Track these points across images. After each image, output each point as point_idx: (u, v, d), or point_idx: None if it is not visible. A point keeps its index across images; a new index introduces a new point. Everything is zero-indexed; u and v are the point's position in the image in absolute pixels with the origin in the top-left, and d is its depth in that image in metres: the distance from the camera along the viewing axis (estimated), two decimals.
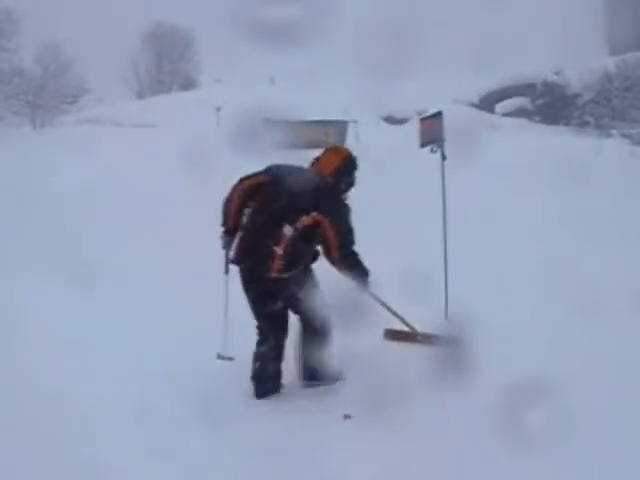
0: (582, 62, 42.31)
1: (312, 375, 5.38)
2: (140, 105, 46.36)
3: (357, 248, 5.25)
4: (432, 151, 7.00)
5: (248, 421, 4.66)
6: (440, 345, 5.72)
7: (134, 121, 36.60)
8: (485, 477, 4.14)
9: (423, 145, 7.13)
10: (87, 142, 21.20)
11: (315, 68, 43.06)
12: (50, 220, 9.61)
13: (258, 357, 5.27)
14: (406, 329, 5.93)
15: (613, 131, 30.94)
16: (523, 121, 39.48)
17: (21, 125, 33.54)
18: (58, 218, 9.75)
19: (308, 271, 5.27)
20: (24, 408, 4.14)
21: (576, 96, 41.39)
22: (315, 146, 20.66)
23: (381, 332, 6.08)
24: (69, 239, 8.26)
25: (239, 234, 5.22)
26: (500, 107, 42.13)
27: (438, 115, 7.13)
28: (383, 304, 5.59)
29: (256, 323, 5.31)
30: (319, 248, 5.22)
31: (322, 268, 5.30)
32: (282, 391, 5.34)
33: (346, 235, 5.13)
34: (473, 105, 40.65)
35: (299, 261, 5.09)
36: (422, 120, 7.38)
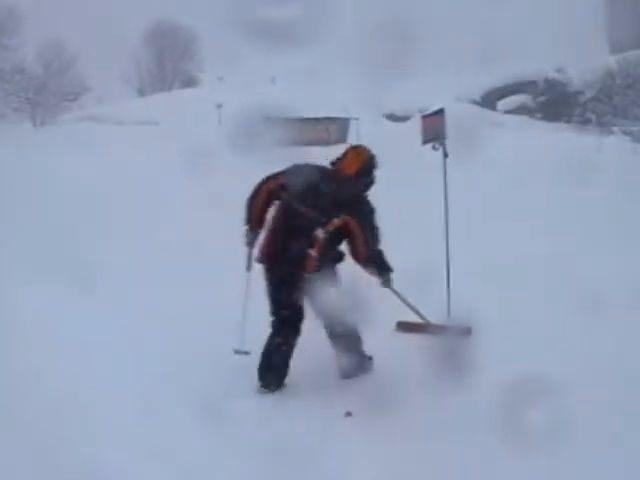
0: (584, 59, 42.32)
1: (348, 373, 5.48)
2: (141, 103, 46.45)
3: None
4: (434, 148, 6.99)
5: (248, 421, 4.66)
6: (453, 336, 5.83)
7: (135, 119, 36.66)
8: (485, 477, 4.13)
9: (425, 142, 7.11)
10: (88, 140, 21.21)
11: (316, 67, 43.17)
12: (50, 220, 9.59)
13: (268, 348, 5.31)
14: (418, 321, 5.98)
15: (615, 128, 30.92)
16: (525, 118, 39.47)
17: (21, 123, 33.57)
18: (58, 218, 9.74)
19: (335, 271, 5.40)
20: (24, 408, 4.12)
21: (578, 93, 41.39)
22: (317, 144, 20.80)
23: (382, 332, 6.07)
24: (69, 239, 8.24)
25: (265, 233, 5.32)
26: (502, 104, 42.14)
27: (440, 112, 7.11)
28: (404, 300, 5.69)
29: (271, 319, 5.36)
30: (342, 249, 5.36)
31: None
32: (283, 390, 5.33)
33: (372, 235, 5.24)
34: (475, 102, 40.65)
35: (331, 261, 5.29)
36: (424, 117, 7.35)
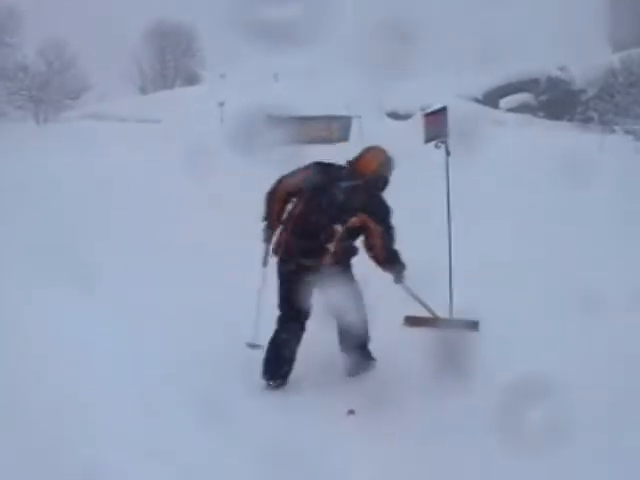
0: (586, 58, 42.26)
1: (353, 370, 5.52)
2: (144, 100, 46.47)
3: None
4: (436, 146, 6.97)
5: (249, 421, 4.65)
6: (460, 329, 5.97)
7: (138, 117, 36.68)
8: (485, 475, 4.13)
9: (428, 141, 7.09)
10: (90, 139, 21.20)
11: (318, 66, 43.10)
12: (51, 219, 9.58)
13: (274, 344, 5.35)
14: (426, 315, 6.05)
15: (617, 127, 30.84)
16: (527, 117, 39.39)
17: (24, 120, 33.54)
18: (59, 217, 9.73)
19: (350, 266, 5.51)
20: (24, 408, 4.12)
21: (580, 92, 41.30)
22: (319, 142, 20.77)
23: (384, 330, 6.06)
24: (69, 238, 8.24)
25: (283, 226, 5.39)
26: (504, 103, 42.08)
27: (442, 110, 7.08)
28: (415, 296, 5.78)
29: (277, 315, 5.40)
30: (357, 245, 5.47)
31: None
32: (286, 388, 5.35)
33: (389, 235, 5.35)
34: (477, 101, 40.62)
35: (347, 256, 5.40)
36: (426, 115, 7.32)
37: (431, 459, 4.30)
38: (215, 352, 5.58)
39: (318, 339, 5.44)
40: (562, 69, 43.03)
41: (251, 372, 5.32)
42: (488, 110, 37.78)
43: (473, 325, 6.20)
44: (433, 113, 7.29)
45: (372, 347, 5.62)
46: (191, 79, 57.16)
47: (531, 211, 10.80)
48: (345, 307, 5.28)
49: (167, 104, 39.60)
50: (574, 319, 6.07)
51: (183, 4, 58.75)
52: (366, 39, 35.94)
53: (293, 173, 5.41)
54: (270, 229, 5.45)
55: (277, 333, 5.36)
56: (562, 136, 25.21)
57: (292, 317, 5.35)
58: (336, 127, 25.52)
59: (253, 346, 5.45)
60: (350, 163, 5.44)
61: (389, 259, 5.40)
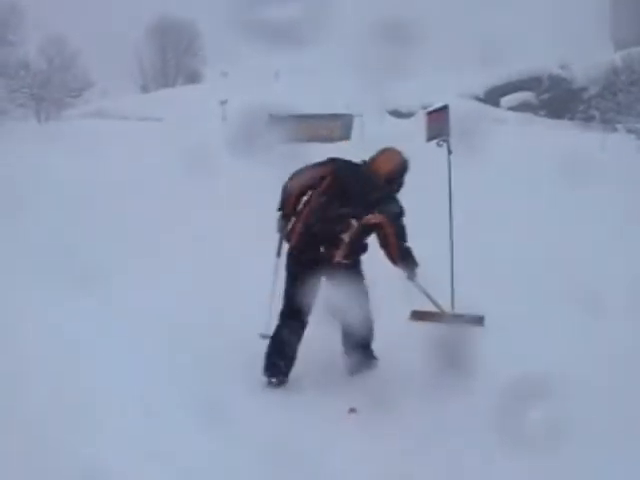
0: (588, 56, 42.23)
1: (355, 369, 5.54)
2: (145, 99, 46.48)
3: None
4: (438, 145, 6.98)
5: (249, 421, 4.62)
6: (466, 324, 6.06)
7: (139, 115, 36.72)
8: (487, 476, 4.13)
9: (430, 139, 7.11)
10: (91, 137, 21.17)
11: (320, 65, 43.08)
12: (51, 219, 9.57)
13: (276, 340, 5.37)
14: (432, 310, 6.08)
15: (618, 125, 30.82)
16: (528, 115, 39.41)
17: (26, 118, 33.50)
18: (59, 217, 9.72)
19: (360, 262, 5.60)
20: (24, 408, 4.13)
21: (582, 90, 41.30)
22: (320, 140, 20.78)
23: (384, 330, 6.07)
24: (70, 237, 8.23)
25: (298, 219, 5.42)
26: (505, 101, 42.10)
27: (444, 108, 7.09)
28: (424, 292, 5.83)
29: (280, 309, 5.43)
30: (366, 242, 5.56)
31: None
32: (286, 386, 5.34)
33: (402, 234, 5.46)
34: (478, 99, 40.65)
35: (358, 251, 5.49)
36: (429, 114, 7.34)
37: (432, 458, 4.30)
38: (215, 353, 5.58)
39: (319, 337, 5.44)
40: (563, 67, 43.03)
41: (251, 372, 5.30)
42: (489, 109, 37.81)
43: (479, 320, 6.30)
44: (435, 111, 7.30)
45: (374, 346, 5.62)
46: (192, 77, 57.19)
47: (532, 210, 10.78)
48: (351, 306, 5.30)
49: (169, 102, 39.60)
50: (575, 318, 6.07)
51: (185, 2, 58.73)
52: (367, 38, 35.89)
53: (309, 167, 5.49)
54: (285, 219, 5.49)
55: (279, 329, 5.39)
56: (563, 135, 25.22)
57: (294, 313, 5.37)
58: (338, 125, 25.52)
59: (266, 337, 5.46)
60: (366, 163, 5.50)
61: (403, 256, 5.49)
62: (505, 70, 42.57)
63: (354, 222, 5.28)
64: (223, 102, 29.81)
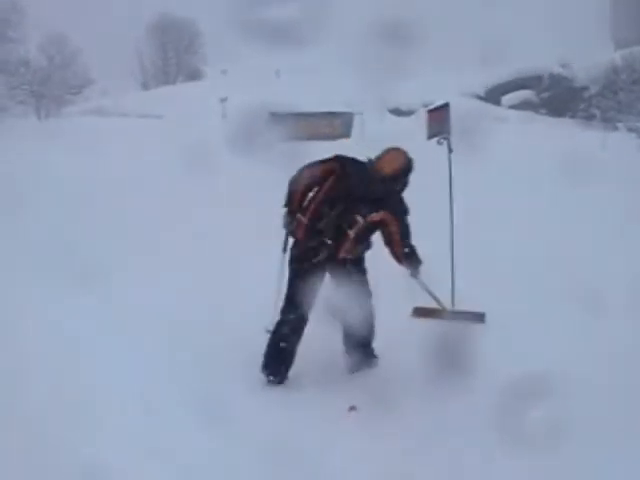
0: (589, 55, 42.24)
1: (355, 367, 5.58)
2: (145, 96, 46.47)
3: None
4: (439, 143, 6.98)
5: (249, 419, 4.62)
6: (467, 321, 6.09)
7: (139, 112, 36.68)
8: (487, 475, 4.13)
9: (430, 137, 7.10)
10: (92, 134, 21.13)
11: (320, 63, 43.08)
12: (51, 217, 9.56)
13: (275, 337, 5.38)
14: (434, 307, 6.11)
15: (619, 124, 30.84)
16: (529, 114, 39.44)
17: (26, 116, 33.51)
18: (59, 215, 9.70)
19: (364, 259, 5.64)
20: (24, 406, 4.12)
21: (582, 89, 41.32)
22: (321, 138, 20.76)
23: (384, 329, 6.07)
24: (70, 236, 8.21)
25: (304, 214, 5.42)
26: (506, 100, 42.11)
27: (445, 107, 7.09)
28: (427, 289, 5.86)
29: (281, 306, 5.43)
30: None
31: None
32: (287, 384, 5.34)
33: (407, 232, 5.51)
34: (479, 97, 40.68)
35: (363, 247, 5.53)
36: (429, 112, 7.33)
37: (433, 456, 4.30)
38: (215, 351, 5.58)
39: (320, 335, 5.43)
40: (564, 66, 43.03)
41: (251, 370, 5.30)
42: (490, 107, 37.83)
43: (479, 317, 6.34)
44: (436, 110, 7.30)
45: (375, 344, 5.63)
46: (193, 75, 57.13)
47: (533, 208, 10.77)
48: (353, 304, 5.31)
49: (169, 100, 39.59)
50: (576, 316, 6.06)
51: (185, 1, 58.73)
52: (368, 37, 35.89)
53: (315, 164, 5.49)
54: (291, 215, 5.49)
55: (279, 325, 5.39)
56: (564, 133, 25.22)
57: (295, 308, 5.37)
58: (338, 123, 25.47)
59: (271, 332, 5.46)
60: (371, 161, 5.49)
61: (407, 255, 5.52)
62: (506, 69, 42.58)
63: (360, 218, 5.30)
64: (223, 100, 29.79)
